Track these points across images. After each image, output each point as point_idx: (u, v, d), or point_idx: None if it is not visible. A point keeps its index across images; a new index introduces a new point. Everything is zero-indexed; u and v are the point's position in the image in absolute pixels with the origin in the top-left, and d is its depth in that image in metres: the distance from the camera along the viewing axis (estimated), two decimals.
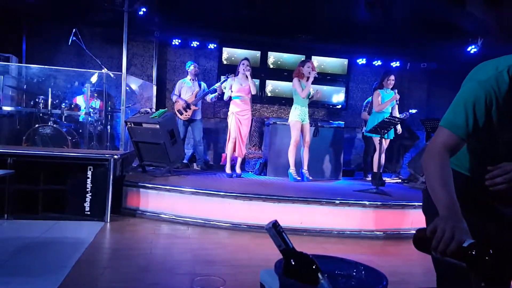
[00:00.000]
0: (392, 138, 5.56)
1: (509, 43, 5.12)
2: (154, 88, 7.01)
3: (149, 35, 6.88)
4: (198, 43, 7.09)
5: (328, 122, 6.15)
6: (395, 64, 7.62)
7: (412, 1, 5.63)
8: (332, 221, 3.89)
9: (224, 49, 7.30)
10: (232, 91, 5.25)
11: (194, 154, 6.46)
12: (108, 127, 6.38)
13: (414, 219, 3.94)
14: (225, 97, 5.37)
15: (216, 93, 5.85)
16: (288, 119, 5.39)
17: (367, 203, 3.97)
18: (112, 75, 5.78)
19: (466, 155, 1.30)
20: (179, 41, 7.03)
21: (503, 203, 1.25)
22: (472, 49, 6.28)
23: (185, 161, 6.23)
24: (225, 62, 7.30)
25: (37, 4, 5.75)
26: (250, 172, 6.14)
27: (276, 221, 0.75)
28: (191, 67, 6.08)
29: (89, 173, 3.80)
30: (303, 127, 5.26)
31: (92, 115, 5.96)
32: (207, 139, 6.92)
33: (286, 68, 7.42)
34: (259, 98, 7.35)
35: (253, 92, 5.27)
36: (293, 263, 0.73)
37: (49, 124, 5.54)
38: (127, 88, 5.71)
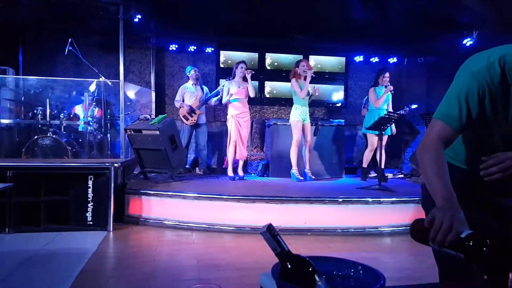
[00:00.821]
0: (389, 135, 5.55)
1: (504, 34, 5.11)
2: (153, 94, 7.02)
3: (146, 41, 6.89)
4: (195, 48, 7.10)
5: (328, 121, 6.14)
6: (393, 60, 7.60)
7: None
8: (336, 219, 3.87)
9: (221, 52, 7.30)
10: (229, 95, 5.24)
11: (196, 158, 6.46)
12: (108, 135, 6.38)
13: (417, 214, 3.92)
14: (223, 101, 5.37)
15: (219, 96, 5.85)
16: (288, 119, 5.38)
17: (370, 200, 3.95)
18: (110, 83, 5.79)
19: (461, 147, 1.29)
20: (176, 46, 7.04)
21: (499, 194, 1.25)
22: (467, 41, 6.26)
23: (187, 166, 6.23)
24: (223, 66, 7.30)
25: (33, 15, 5.78)
26: (252, 174, 6.13)
27: (270, 224, 0.74)
28: (191, 72, 6.08)
29: (90, 183, 3.79)
30: (304, 127, 5.25)
31: (91, 124, 5.97)
32: (210, 143, 6.91)
33: (284, 68, 7.41)
34: (258, 100, 7.34)
35: (252, 95, 5.27)
36: (289, 266, 0.72)
37: (48, 135, 5.55)
38: (126, 95, 5.72)
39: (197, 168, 6.34)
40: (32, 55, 6.66)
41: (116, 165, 3.90)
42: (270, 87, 7.50)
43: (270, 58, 7.49)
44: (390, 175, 5.96)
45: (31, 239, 3.47)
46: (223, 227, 3.85)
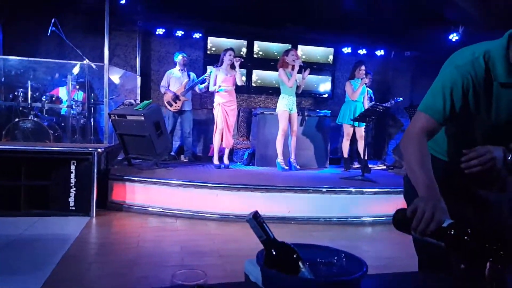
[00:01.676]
0: (363, 127, 5.64)
1: (489, 31, 5.19)
2: (138, 79, 6.89)
3: (132, 24, 6.72)
4: (183, 33, 6.98)
5: (314, 111, 6.17)
6: (380, 52, 7.64)
7: None
8: (320, 209, 3.93)
9: (209, 38, 7.20)
10: (218, 86, 5.19)
11: (181, 146, 6.40)
12: (92, 120, 6.26)
13: (399, 205, 4.00)
14: (211, 89, 5.32)
15: (206, 83, 5.78)
16: (275, 109, 5.39)
17: (353, 190, 4.02)
18: (94, 66, 5.65)
19: (444, 140, 1.32)
20: (163, 30, 6.91)
21: (479, 186, 1.28)
22: (453, 37, 6.35)
23: (172, 153, 6.18)
24: (210, 52, 7.21)
25: None
26: (238, 163, 6.14)
27: (256, 211, 0.74)
28: (179, 57, 5.98)
29: (73, 168, 3.73)
30: (291, 117, 5.26)
31: (74, 107, 5.84)
32: (195, 131, 6.85)
33: (273, 57, 7.38)
34: (246, 88, 7.30)
35: (239, 83, 5.24)
36: (274, 253, 0.73)
37: (30, 118, 5.40)
38: (110, 79, 5.61)
39: (182, 156, 6.29)
40: (13, 35, 6.42)
41: (99, 150, 3.85)
42: (258, 76, 7.47)
43: (259, 47, 7.43)
44: (374, 167, 6.06)
45: (10, 223, 3.40)
46: (208, 214, 3.86)
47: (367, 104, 5.71)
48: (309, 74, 5.34)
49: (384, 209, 3.98)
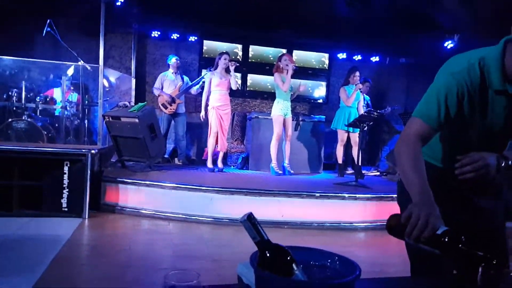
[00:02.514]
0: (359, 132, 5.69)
1: (484, 38, 5.25)
2: (133, 81, 6.88)
3: (128, 26, 6.72)
4: (178, 36, 6.98)
5: (309, 116, 6.19)
6: (375, 58, 7.70)
7: None
8: (313, 213, 3.93)
9: (205, 42, 7.21)
10: (209, 92, 5.21)
11: (175, 149, 6.39)
12: (86, 121, 6.23)
13: (392, 211, 4.00)
14: (204, 93, 5.32)
15: (201, 83, 5.79)
16: (270, 113, 5.40)
17: (346, 195, 4.03)
18: (89, 68, 5.63)
19: (438, 146, 1.32)
20: (159, 33, 6.91)
21: (473, 192, 1.29)
22: (449, 44, 6.41)
23: (166, 156, 6.16)
24: (206, 55, 7.22)
25: None
26: (232, 167, 6.13)
27: (251, 213, 0.74)
28: (172, 60, 5.99)
29: (66, 169, 3.70)
30: (286, 121, 5.27)
31: (68, 109, 5.81)
32: (189, 134, 6.84)
33: (268, 62, 7.40)
34: (241, 92, 7.31)
35: (234, 87, 5.24)
36: (268, 254, 0.73)
37: (23, 118, 5.37)
38: (105, 81, 5.59)
39: (176, 159, 6.27)
40: (8, 35, 6.38)
41: (93, 151, 3.83)
42: (253, 80, 7.48)
43: (254, 51, 7.45)
44: (368, 173, 6.08)
45: (2, 223, 3.36)
46: (201, 218, 3.84)
47: (362, 110, 5.75)
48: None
49: (377, 215, 3.99)
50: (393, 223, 1.03)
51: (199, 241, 3.34)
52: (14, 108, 5.57)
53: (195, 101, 7.07)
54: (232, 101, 5.76)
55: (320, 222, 3.92)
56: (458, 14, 5.47)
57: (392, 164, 5.95)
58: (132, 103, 5.36)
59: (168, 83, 5.94)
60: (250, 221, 0.73)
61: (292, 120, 5.50)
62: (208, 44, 7.24)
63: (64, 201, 3.70)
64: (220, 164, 5.40)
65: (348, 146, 5.93)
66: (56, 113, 5.97)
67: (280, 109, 5.20)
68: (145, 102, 5.09)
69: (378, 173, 6.26)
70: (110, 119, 4.80)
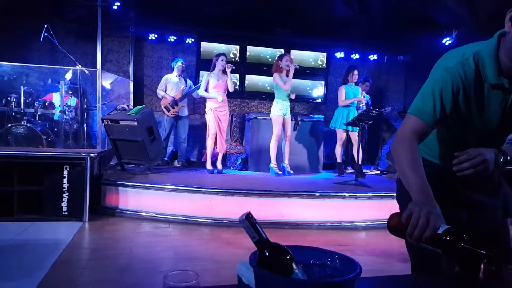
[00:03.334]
0: (356, 131, 5.69)
1: (482, 34, 5.25)
2: (131, 84, 6.88)
3: (125, 30, 6.72)
4: (175, 38, 6.99)
5: (308, 116, 6.19)
6: (373, 57, 7.71)
7: None
8: (313, 213, 3.93)
9: (202, 44, 7.22)
10: (208, 88, 5.21)
11: (175, 151, 6.39)
12: (84, 125, 6.23)
13: (392, 209, 4.00)
14: (199, 93, 5.32)
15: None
16: (269, 113, 5.40)
17: (346, 195, 4.02)
18: (87, 72, 5.64)
19: (435, 142, 1.31)
20: (156, 35, 6.92)
21: (471, 189, 1.28)
22: (447, 41, 6.42)
23: (166, 158, 6.16)
24: (203, 57, 7.22)
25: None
26: (231, 168, 6.13)
27: (249, 212, 0.74)
28: (178, 64, 6.00)
29: (66, 173, 3.70)
30: (285, 121, 5.27)
31: (67, 113, 5.81)
32: (189, 136, 6.85)
33: (265, 62, 7.40)
34: (239, 93, 7.31)
35: (231, 89, 5.24)
36: (267, 254, 0.73)
37: (23, 123, 5.37)
38: (103, 85, 5.59)
39: (175, 161, 6.27)
40: (6, 41, 6.39)
41: (92, 155, 3.83)
42: (251, 80, 7.49)
43: (251, 52, 7.46)
44: (368, 172, 6.08)
45: (2, 229, 3.36)
46: (201, 219, 3.84)
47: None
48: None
49: (378, 214, 3.99)
50: (394, 223, 1.03)
51: (199, 242, 3.34)
52: (13, 114, 5.58)
53: (194, 103, 7.08)
54: (231, 102, 5.76)
55: (321, 222, 3.91)
56: (456, 11, 5.48)
57: (392, 162, 5.95)
58: (131, 106, 5.35)
59: (171, 86, 5.95)
60: (248, 221, 0.73)
61: (291, 120, 5.50)
62: (205, 46, 7.25)
63: (64, 205, 3.70)
64: (219, 165, 5.40)
65: (348, 145, 5.93)
66: (55, 118, 5.97)
67: (280, 109, 5.20)
68: (144, 105, 5.10)
69: (378, 172, 6.26)
70: (109, 122, 4.80)
